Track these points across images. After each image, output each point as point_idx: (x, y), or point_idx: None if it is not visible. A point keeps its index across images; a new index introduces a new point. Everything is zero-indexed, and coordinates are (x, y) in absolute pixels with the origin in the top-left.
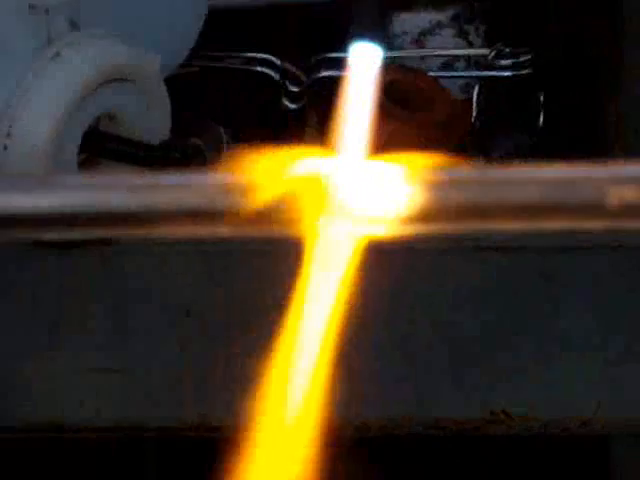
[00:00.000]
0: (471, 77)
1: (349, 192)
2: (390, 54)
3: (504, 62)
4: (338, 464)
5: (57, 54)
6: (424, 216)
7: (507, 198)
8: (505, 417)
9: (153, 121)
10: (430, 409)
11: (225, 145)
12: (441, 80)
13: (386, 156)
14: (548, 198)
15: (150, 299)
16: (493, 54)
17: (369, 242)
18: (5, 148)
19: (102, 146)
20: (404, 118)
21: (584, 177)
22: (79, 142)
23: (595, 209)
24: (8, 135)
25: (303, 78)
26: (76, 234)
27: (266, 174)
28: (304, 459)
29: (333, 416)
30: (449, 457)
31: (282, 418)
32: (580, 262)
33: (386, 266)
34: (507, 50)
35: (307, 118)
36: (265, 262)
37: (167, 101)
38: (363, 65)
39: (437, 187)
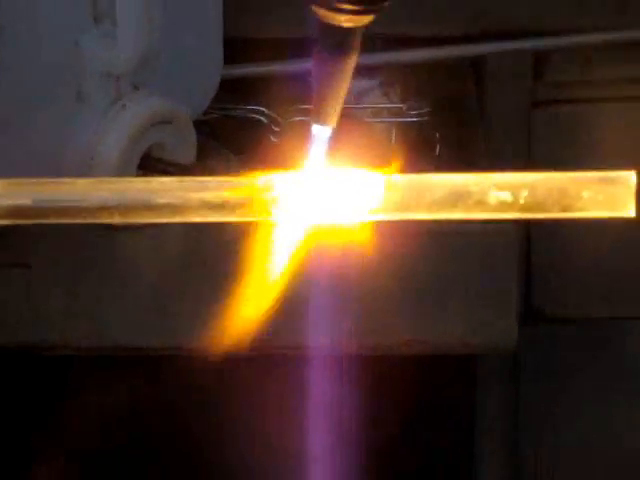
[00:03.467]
0: (391, 122)
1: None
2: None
3: (413, 112)
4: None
5: (123, 106)
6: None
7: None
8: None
9: (185, 149)
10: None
11: (233, 166)
12: (372, 124)
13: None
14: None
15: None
16: (406, 107)
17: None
18: (90, 168)
19: (152, 166)
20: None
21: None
22: (137, 163)
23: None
24: (92, 159)
25: (282, 122)
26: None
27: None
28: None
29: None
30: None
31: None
32: None
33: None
34: (415, 105)
35: (284, 148)
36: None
37: (194, 136)
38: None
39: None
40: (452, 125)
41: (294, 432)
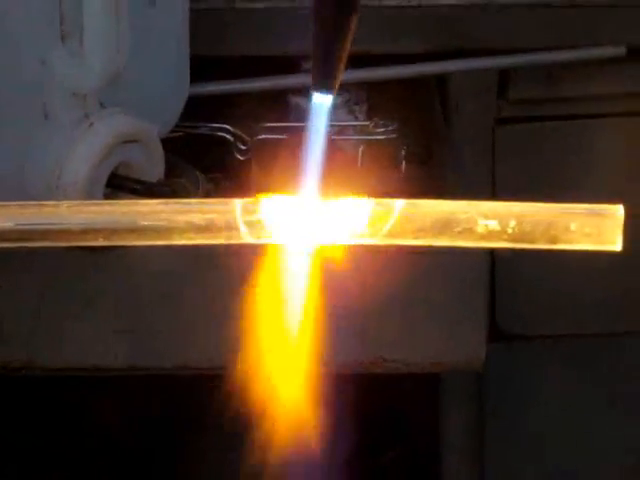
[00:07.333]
0: (358, 140)
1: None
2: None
3: (379, 129)
4: None
5: (91, 124)
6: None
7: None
8: (383, 361)
9: (152, 167)
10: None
11: (200, 183)
12: (338, 141)
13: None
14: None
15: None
16: (372, 124)
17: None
18: (57, 187)
19: (120, 184)
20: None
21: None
22: (105, 181)
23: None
24: (58, 178)
25: (248, 140)
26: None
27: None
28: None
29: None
30: None
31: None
32: None
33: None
34: (381, 122)
35: (250, 166)
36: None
37: (162, 154)
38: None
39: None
40: (418, 142)
41: (261, 450)
